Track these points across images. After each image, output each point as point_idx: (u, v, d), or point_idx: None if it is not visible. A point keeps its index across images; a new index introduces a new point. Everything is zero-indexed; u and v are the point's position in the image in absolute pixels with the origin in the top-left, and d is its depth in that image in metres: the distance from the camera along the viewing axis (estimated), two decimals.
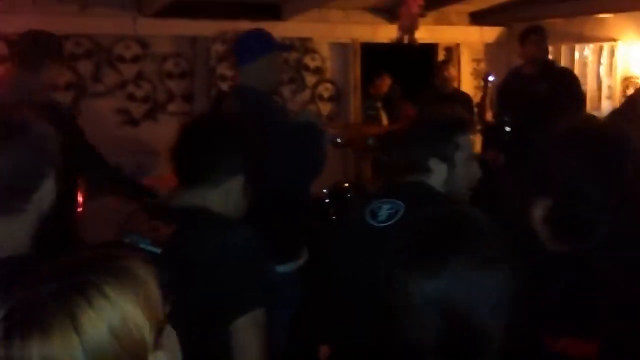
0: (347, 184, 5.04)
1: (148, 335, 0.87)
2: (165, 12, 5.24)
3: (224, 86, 5.84)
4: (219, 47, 5.80)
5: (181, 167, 1.69)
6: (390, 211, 1.85)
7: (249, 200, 1.71)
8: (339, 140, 3.04)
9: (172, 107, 5.66)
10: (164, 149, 1.84)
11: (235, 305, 1.50)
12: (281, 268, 2.53)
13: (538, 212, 1.51)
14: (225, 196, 1.64)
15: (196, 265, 1.48)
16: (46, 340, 0.80)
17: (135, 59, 5.49)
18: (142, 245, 1.48)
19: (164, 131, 4.89)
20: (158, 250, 1.49)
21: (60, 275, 0.86)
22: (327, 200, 4.77)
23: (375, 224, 1.85)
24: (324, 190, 4.79)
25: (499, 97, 5.17)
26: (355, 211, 1.99)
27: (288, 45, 3.78)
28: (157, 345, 0.89)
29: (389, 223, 1.82)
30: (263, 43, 2.76)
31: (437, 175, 1.93)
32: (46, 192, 1.25)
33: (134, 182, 3.71)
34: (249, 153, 1.69)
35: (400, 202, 1.86)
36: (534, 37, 4.59)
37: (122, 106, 5.51)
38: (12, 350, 0.80)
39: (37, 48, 3.09)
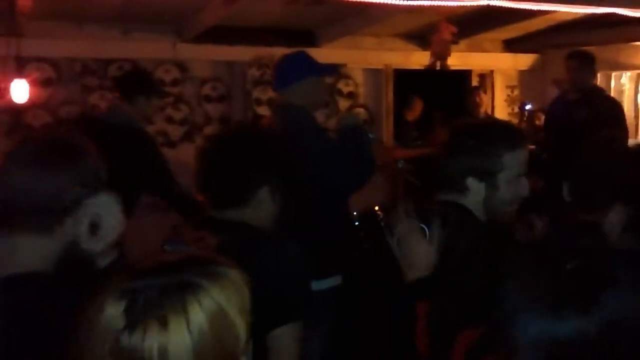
0: (377, 208, 5.06)
1: (243, 336, 0.95)
2: (204, 38, 5.41)
3: (260, 110, 5.98)
4: (254, 72, 5.95)
5: (206, 196, 1.71)
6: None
7: (280, 207, 1.71)
8: (371, 136, 3.06)
9: (209, 130, 5.78)
10: None
11: (276, 315, 1.51)
12: (316, 284, 2.55)
13: (615, 217, 1.52)
14: (257, 210, 1.66)
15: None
16: (163, 331, 0.87)
17: (175, 83, 5.65)
18: None
19: None
20: None
21: (169, 271, 0.93)
22: (356, 223, 4.78)
23: None
24: (354, 213, 4.82)
25: (545, 121, 5.18)
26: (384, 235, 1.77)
27: (332, 68, 3.81)
28: (247, 348, 0.97)
29: None
30: (307, 65, 2.79)
31: (474, 195, 1.70)
32: (81, 216, 1.28)
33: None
34: (272, 160, 1.69)
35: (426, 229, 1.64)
36: (570, 63, 4.57)
37: (162, 128, 5.65)
38: (133, 339, 0.87)
39: (131, 84, 3.68)
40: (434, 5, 4.70)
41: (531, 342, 0.93)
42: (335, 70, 3.50)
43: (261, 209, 1.66)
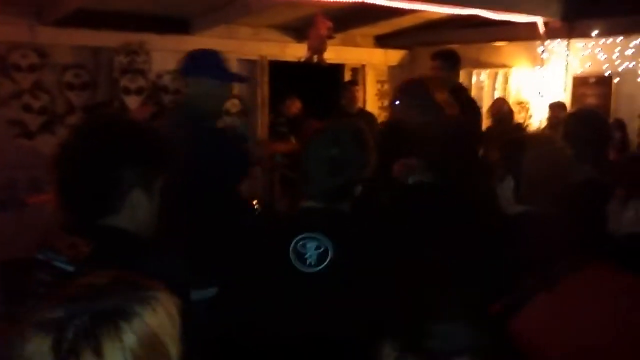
0: (255, 201, 5.01)
1: (175, 358, 0.92)
2: (66, 21, 5.02)
3: (128, 100, 5.68)
4: (123, 59, 5.63)
5: (68, 201, 1.49)
6: (318, 251, 1.61)
7: (158, 210, 1.53)
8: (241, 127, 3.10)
9: (71, 120, 5.40)
10: None
11: None
12: (197, 294, 2.43)
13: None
14: (131, 215, 1.48)
15: None
16: (97, 357, 0.84)
17: (32, 69, 5.21)
18: (57, 263, 1.39)
19: None
20: (72, 269, 1.40)
21: (99, 297, 0.90)
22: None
23: (305, 269, 1.61)
24: None
25: None
26: (273, 248, 1.68)
27: (245, 77, 3.82)
28: None
29: (320, 268, 1.59)
30: (220, 66, 2.76)
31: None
32: None
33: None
34: (146, 156, 1.49)
35: (325, 238, 1.61)
36: (435, 63, 4.72)
37: (17, 117, 5.20)
38: None
39: None
40: (310, 0, 4.70)
41: None
42: (246, 79, 3.45)
43: (137, 212, 1.48)
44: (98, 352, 0.84)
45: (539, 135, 1.98)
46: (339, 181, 1.70)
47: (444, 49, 4.90)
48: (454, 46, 6.28)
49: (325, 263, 1.61)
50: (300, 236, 1.63)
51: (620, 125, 5.39)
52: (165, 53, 5.78)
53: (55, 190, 1.48)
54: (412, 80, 3.96)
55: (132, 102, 5.73)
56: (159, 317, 0.91)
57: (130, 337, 0.86)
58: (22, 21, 5.02)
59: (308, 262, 1.61)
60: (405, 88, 3.62)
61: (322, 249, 1.61)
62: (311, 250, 1.61)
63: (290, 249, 1.63)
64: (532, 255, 1.51)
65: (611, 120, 5.12)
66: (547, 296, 1.36)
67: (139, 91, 5.76)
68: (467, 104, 4.75)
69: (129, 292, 0.92)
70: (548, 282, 1.35)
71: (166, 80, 5.85)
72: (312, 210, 1.71)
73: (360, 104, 6.51)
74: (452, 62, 4.67)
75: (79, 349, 0.83)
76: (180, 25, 5.75)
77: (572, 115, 2.80)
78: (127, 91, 5.69)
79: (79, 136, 1.54)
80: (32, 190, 4.70)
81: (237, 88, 6.33)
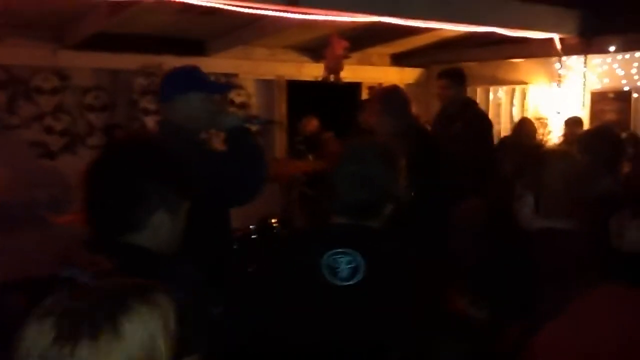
0: (274, 220, 5.02)
1: (166, 357, 0.96)
2: (86, 45, 5.12)
3: (148, 120, 5.75)
4: (142, 81, 5.72)
5: (94, 220, 1.52)
6: (350, 266, 1.65)
7: (181, 230, 1.57)
8: (257, 123, 2.88)
9: (92, 141, 5.48)
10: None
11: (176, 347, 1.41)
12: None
13: None
14: (154, 234, 1.50)
15: None
16: (93, 346, 0.88)
17: (54, 92, 5.31)
18: (82, 280, 1.40)
19: (83, 165, 4.71)
20: None
21: (101, 293, 0.96)
22: (253, 237, 4.73)
23: (337, 282, 1.65)
24: (251, 227, 4.75)
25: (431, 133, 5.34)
26: (302, 262, 1.71)
27: (222, 86, 3.65)
28: None
29: (352, 282, 1.63)
30: (192, 79, 2.57)
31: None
32: None
33: None
34: (168, 178, 1.52)
35: (357, 253, 1.65)
36: (440, 82, 4.73)
37: (39, 139, 5.28)
38: (62, 352, 0.87)
39: None
40: (326, 20, 4.74)
41: None
42: (226, 87, 3.32)
43: (160, 232, 1.51)
44: (95, 338, 0.89)
45: (557, 150, 1.96)
46: (367, 198, 1.73)
47: (449, 68, 4.94)
48: (471, 64, 6.34)
49: (357, 278, 1.64)
50: (332, 251, 1.66)
51: (635, 140, 5.34)
52: None
53: (82, 207, 1.51)
54: (389, 87, 4.01)
55: (152, 122, 5.80)
56: (154, 316, 0.95)
57: (126, 330, 0.91)
58: (44, 45, 5.13)
59: (339, 275, 1.65)
60: (383, 94, 3.68)
61: (353, 264, 1.65)
62: (343, 264, 1.65)
63: (322, 263, 1.66)
64: (553, 272, 1.50)
65: (624, 135, 5.08)
66: (564, 316, 1.34)
67: (157, 112, 5.84)
68: (475, 118, 4.78)
69: (129, 290, 0.97)
70: (565, 301, 1.34)
71: None
72: (342, 226, 1.75)
73: None
74: (458, 79, 4.70)
75: (77, 335, 0.88)
76: (196, 47, 5.83)
77: (588, 130, 2.80)
78: (147, 112, 5.77)
79: (107, 154, 1.59)
80: (53, 210, 4.76)
81: (255, 108, 6.39)
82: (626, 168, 3.17)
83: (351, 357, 1.62)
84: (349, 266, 1.64)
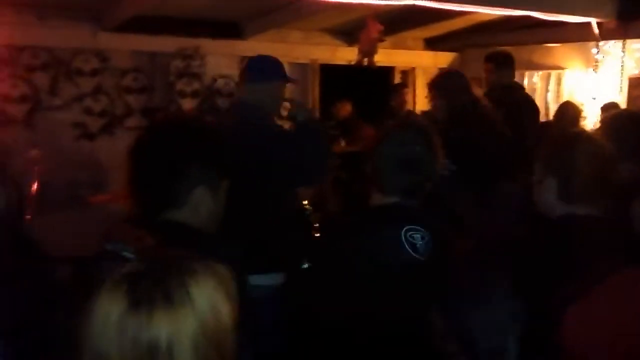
0: (305, 202, 5.08)
1: (231, 319, 0.99)
2: (125, 27, 5.23)
3: (184, 102, 5.86)
4: (178, 63, 5.82)
5: (138, 197, 1.62)
6: (423, 241, 1.77)
7: (222, 208, 1.64)
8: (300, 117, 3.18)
9: (130, 122, 5.61)
10: (121, 164, 1.71)
11: None
12: (258, 279, 2.52)
13: None
14: (194, 211, 1.58)
15: None
16: (169, 307, 0.92)
17: (94, 73, 5.44)
18: (125, 254, 1.48)
19: (121, 146, 4.84)
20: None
21: (167, 259, 1.00)
22: None
23: (418, 256, 1.76)
24: None
25: None
26: (385, 238, 1.80)
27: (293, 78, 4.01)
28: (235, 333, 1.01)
29: (426, 257, 1.76)
30: (277, 69, 2.89)
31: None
32: None
33: None
34: (209, 156, 1.59)
35: (424, 230, 1.78)
36: (487, 65, 4.69)
37: (79, 120, 5.43)
38: (139, 319, 0.91)
39: None
40: (361, 3, 4.75)
41: None
42: (294, 79, 3.63)
43: (197, 210, 1.58)
44: (170, 303, 0.92)
45: (582, 133, 1.94)
46: (415, 179, 1.86)
47: (496, 51, 4.87)
48: (506, 48, 6.26)
49: (429, 252, 1.77)
50: (407, 227, 1.78)
51: None
52: (219, 57, 5.95)
53: (125, 185, 1.60)
54: (444, 71, 4.06)
55: (188, 104, 5.91)
56: (217, 280, 0.99)
57: (196, 290, 0.95)
58: (85, 27, 5.25)
59: (419, 250, 1.76)
60: (437, 78, 3.75)
61: (426, 239, 1.78)
62: (418, 240, 1.77)
63: (402, 239, 1.76)
64: (578, 259, 1.52)
65: None
66: (587, 301, 1.37)
67: (194, 94, 5.94)
68: (522, 102, 4.72)
69: (192, 257, 1.01)
70: (588, 286, 1.37)
71: (220, 83, 6.01)
72: (400, 205, 1.87)
73: (409, 106, 6.53)
74: (501, 63, 4.65)
75: (152, 301, 0.92)
76: (233, 30, 5.89)
77: (614, 114, 2.77)
78: (183, 94, 5.89)
79: (148, 134, 1.68)
80: (93, 190, 4.91)
81: (288, 92, 6.42)
82: None
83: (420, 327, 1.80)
84: (423, 241, 1.76)
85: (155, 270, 0.96)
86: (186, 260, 0.99)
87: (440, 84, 3.68)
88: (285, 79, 2.91)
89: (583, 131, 2.77)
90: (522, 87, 4.96)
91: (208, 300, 0.95)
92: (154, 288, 0.93)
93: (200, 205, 1.59)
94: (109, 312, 0.92)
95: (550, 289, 1.47)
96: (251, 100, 2.80)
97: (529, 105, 4.72)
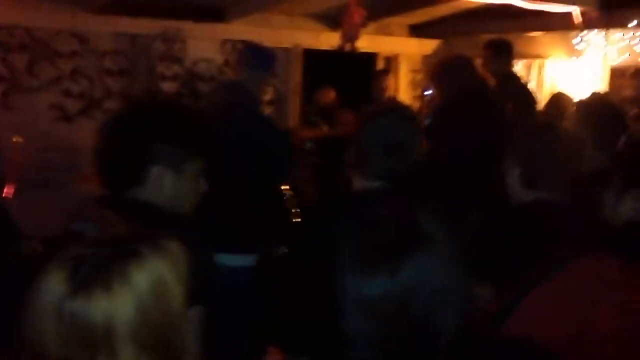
0: (285, 187, 5.08)
1: (181, 303, 0.99)
2: (106, 9, 5.16)
3: (164, 86, 5.81)
4: (159, 46, 5.76)
5: (102, 175, 1.64)
6: None
7: (190, 189, 1.62)
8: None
9: (109, 105, 5.55)
10: None
11: None
12: (231, 260, 2.53)
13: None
14: (156, 190, 1.57)
15: None
16: (107, 295, 0.92)
17: (73, 54, 5.37)
18: (89, 232, 1.47)
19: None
20: None
21: (113, 242, 1.00)
22: None
23: None
24: None
25: None
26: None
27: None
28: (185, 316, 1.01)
29: None
30: (274, 61, 3.08)
31: None
32: None
33: None
34: (172, 135, 1.58)
35: None
36: (485, 52, 4.68)
37: (57, 102, 5.37)
38: (77, 304, 0.91)
39: None
40: None
41: (351, 300, 1.06)
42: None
43: (160, 188, 1.57)
44: (107, 287, 0.92)
45: (551, 123, 1.96)
46: (400, 164, 1.86)
47: (495, 39, 4.86)
48: (489, 36, 6.26)
49: None
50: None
51: None
52: (201, 41, 5.89)
53: (93, 161, 1.60)
54: (445, 59, 4.07)
55: (168, 88, 5.86)
56: (167, 262, 0.98)
57: (138, 276, 0.93)
58: (65, 8, 5.17)
59: None
60: (438, 66, 3.77)
61: None
62: None
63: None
64: (538, 245, 1.53)
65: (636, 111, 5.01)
66: (545, 287, 1.38)
67: (175, 78, 5.89)
68: (519, 93, 4.72)
69: (141, 238, 1.00)
70: (546, 274, 1.38)
71: (201, 67, 5.96)
72: (382, 189, 1.86)
73: (391, 93, 6.51)
74: (498, 52, 4.64)
75: (91, 283, 0.91)
76: (215, 13, 5.83)
77: (587, 102, 2.77)
78: (163, 78, 5.82)
79: (119, 112, 1.73)
80: (69, 173, 4.87)
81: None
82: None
83: None
84: None
85: (99, 253, 0.95)
86: (136, 242, 0.98)
87: (441, 71, 3.71)
88: (274, 72, 3.10)
89: (553, 121, 2.79)
90: (515, 78, 4.97)
91: (152, 284, 0.94)
92: (94, 272, 0.93)
93: (159, 184, 1.57)
94: (48, 294, 0.92)
95: (512, 275, 1.48)
96: (248, 85, 2.89)
97: (526, 95, 4.74)
